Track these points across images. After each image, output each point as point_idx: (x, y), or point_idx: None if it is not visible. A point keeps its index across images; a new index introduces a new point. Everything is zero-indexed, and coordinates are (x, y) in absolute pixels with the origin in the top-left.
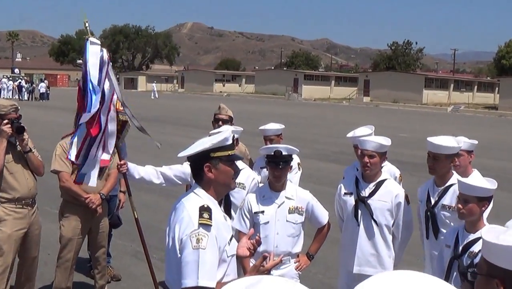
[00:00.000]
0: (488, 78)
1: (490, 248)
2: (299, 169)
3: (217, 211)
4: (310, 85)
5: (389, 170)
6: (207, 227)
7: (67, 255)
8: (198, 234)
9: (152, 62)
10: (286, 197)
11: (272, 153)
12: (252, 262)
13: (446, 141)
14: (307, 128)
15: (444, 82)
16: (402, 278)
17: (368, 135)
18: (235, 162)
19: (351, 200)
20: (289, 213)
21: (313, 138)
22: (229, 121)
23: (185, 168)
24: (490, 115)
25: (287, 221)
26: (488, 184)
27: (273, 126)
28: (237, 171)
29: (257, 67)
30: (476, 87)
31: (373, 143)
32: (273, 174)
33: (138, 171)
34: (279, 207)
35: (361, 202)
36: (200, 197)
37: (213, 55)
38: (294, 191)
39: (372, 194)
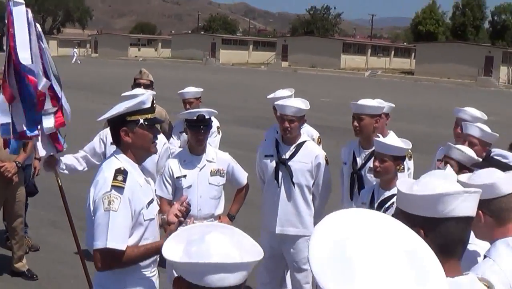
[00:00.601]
0: (405, 44)
1: (406, 199)
2: (218, 132)
3: (136, 174)
4: (228, 50)
5: (307, 132)
6: (119, 189)
7: None
8: (110, 196)
9: (63, 26)
10: (207, 160)
11: (195, 117)
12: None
13: (369, 102)
14: (226, 94)
15: (361, 47)
16: (355, 215)
17: (288, 97)
18: (154, 125)
19: (271, 163)
20: (211, 175)
21: (232, 104)
22: (150, 86)
23: (95, 143)
24: (406, 80)
25: (209, 183)
26: (403, 144)
27: (192, 89)
28: (156, 135)
29: (173, 31)
30: (393, 52)
31: (293, 108)
32: (196, 138)
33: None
34: (200, 170)
35: (282, 164)
36: (119, 160)
37: (128, 18)
38: (214, 154)
39: (292, 156)
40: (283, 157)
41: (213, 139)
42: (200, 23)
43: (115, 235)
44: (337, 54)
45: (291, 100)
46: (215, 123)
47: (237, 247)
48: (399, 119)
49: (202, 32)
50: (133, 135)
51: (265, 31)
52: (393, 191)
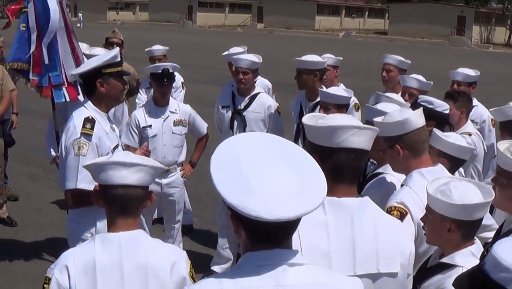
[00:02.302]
0: (379, 4)
1: (311, 130)
2: (183, 87)
3: (103, 122)
4: (205, 12)
5: (262, 83)
6: (88, 136)
7: None
8: (80, 142)
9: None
10: (170, 111)
11: (160, 71)
12: None
13: (309, 57)
14: (201, 54)
15: (335, 8)
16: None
17: (241, 53)
18: (123, 77)
19: (228, 113)
20: (174, 125)
21: (206, 64)
22: (121, 44)
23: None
24: (380, 40)
25: (173, 133)
26: (345, 92)
27: (159, 47)
28: (125, 85)
29: None
30: (367, 13)
31: (246, 61)
32: (161, 90)
33: None
34: (164, 120)
35: (237, 114)
36: (88, 110)
37: None
38: (177, 105)
39: (246, 106)
40: (238, 107)
41: (178, 94)
42: None
43: (84, 177)
44: (311, 16)
45: (245, 55)
46: (180, 79)
47: (141, 159)
48: (373, 78)
49: None
50: (107, 86)
51: None
52: None
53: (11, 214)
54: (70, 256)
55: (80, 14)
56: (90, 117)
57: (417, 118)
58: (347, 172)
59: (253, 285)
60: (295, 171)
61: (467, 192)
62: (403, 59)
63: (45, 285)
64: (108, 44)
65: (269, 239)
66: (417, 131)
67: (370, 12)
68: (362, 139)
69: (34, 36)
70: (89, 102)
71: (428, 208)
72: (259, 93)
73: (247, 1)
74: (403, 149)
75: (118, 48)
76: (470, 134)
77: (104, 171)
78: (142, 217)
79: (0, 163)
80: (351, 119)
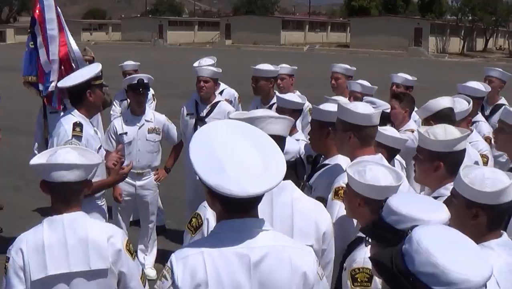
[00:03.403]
0: (341, 19)
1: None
2: (153, 99)
3: (88, 127)
4: (175, 30)
5: (228, 92)
6: (78, 138)
7: None
8: (71, 143)
9: (19, 14)
10: (146, 120)
11: (136, 81)
12: None
13: (263, 66)
14: (172, 71)
15: (300, 24)
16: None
17: (211, 65)
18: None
19: (191, 120)
20: (148, 133)
21: (177, 80)
22: (93, 61)
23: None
24: (342, 52)
25: (146, 140)
26: (300, 99)
27: (131, 62)
28: (104, 95)
29: (123, 15)
30: (329, 27)
31: (207, 70)
32: (137, 100)
33: None
34: (140, 128)
35: (200, 120)
36: (74, 116)
37: (80, 5)
38: (152, 115)
39: (208, 113)
40: (201, 114)
41: (149, 105)
42: (148, 6)
43: None
44: (277, 31)
45: (205, 64)
46: (151, 91)
47: (79, 157)
48: (328, 87)
49: (150, 15)
50: (94, 96)
51: (210, 12)
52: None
53: None
54: (23, 238)
55: None
56: (78, 122)
57: (376, 117)
58: None
59: (229, 247)
60: (260, 152)
61: (377, 174)
62: (348, 66)
63: (6, 263)
64: None
65: (241, 210)
66: (372, 128)
67: (332, 26)
68: (278, 128)
69: (42, 51)
70: (75, 110)
71: (347, 185)
72: (219, 101)
73: (215, 19)
74: (354, 138)
75: (99, 63)
76: (413, 131)
77: (46, 171)
78: (120, 218)
79: None
80: (268, 112)
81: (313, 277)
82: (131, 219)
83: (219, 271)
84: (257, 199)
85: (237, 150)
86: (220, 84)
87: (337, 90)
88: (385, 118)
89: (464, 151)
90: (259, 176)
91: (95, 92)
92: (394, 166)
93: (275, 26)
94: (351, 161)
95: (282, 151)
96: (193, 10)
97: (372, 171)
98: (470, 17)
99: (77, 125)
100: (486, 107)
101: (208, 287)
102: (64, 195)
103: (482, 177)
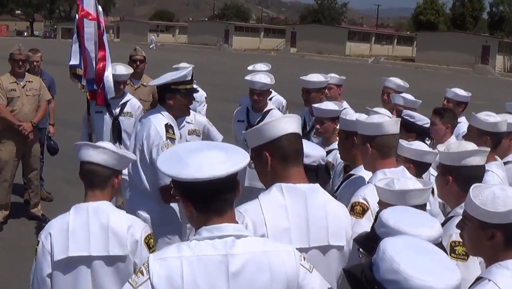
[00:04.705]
0: (408, 32)
1: (254, 134)
2: (206, 102)
3: (176, 128)
4: (241, 36)
5: (277, 100)
6: (172, 140)
7: (5, 175)
8: (168, 145)
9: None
10: (187, 122)
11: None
12: None
13: (313, 77)
14: (235, 76)
15: (366, 35)
16: None
17: (265, 71)
18: (191, 94)
19: (243, 127)
20: (188, 134)
21: (238, 84)
22: (143, 60)
23: None
24: (408, 67)
25: (186, 140)
26: (337, 106)
27: (185, 64)
28: (190, 102)
29: (191, 19)
30: (396, 40)
31: (259, 83)
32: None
33: None
34: (180, 129)
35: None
36: (164, 117)
37: (149, 6)
38: (193, 116)
39: (259, 122)
40: (252, 122)
41: (202, 108)
42: (215, 11)
43: None
44: (342, 42)
45: (258, 76)
46: (203, 94)
47: (111, 145)
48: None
49: (217, 20)
50: (174, 100)
51: (278, 19)
52: (332, 146)
53: (46, 213)
54: (52, 223)
55: (153, 37)
56: (169, 124)
57: (391, 125)
58: (294, 154)
59: (207, 253)
60: (224, 150)
61: (406, 184)
62: (401, 83)
63: (36, 246)
64: (132, 62)
65: (214, 209)
66: (388, 136)
67: (399, 39)
68: (292, 126)
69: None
70: (163, 109)
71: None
72: (271, 109)
73: (281, 26)
74: (372, 148)
75: (190, 68)
76: None
77: (79, 150)
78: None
79: (35, 166)
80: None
81: (296, 275)
82: None
83: (196, 278)
84: (227, 197)
85: (200, 150)
86: (271, 92)
87: (388, 106)
88: (424, 133)
89: (479, 167)
90: (221, 162)
91: (175, 96)
92: (429, 179)
93: (340, 36)
94: (372, 173)
95: (301, 147)
96: (260, 17)
97: (399, 181)
98: None
99: (169, 127)
100: None
101: None
102: (90, 178)
103: (493, 196)
